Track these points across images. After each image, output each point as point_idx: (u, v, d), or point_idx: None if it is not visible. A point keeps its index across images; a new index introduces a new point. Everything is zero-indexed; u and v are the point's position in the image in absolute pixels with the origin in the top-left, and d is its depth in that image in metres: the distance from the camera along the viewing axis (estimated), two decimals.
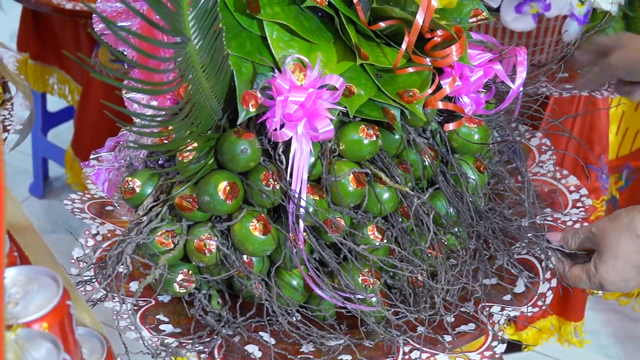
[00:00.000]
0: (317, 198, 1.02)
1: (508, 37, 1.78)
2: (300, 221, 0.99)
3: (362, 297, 1.03)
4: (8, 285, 0.66)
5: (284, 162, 1.01)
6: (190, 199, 1.02)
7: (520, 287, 1.11)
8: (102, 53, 2.40)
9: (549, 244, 1.12)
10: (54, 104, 2.87)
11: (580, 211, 1.23)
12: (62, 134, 2.93)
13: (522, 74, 1.15)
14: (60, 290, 0.66)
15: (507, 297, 1.10)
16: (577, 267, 1.09)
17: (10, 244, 0.72)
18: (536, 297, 1.09)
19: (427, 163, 1.09)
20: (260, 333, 1.06)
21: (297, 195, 0.99)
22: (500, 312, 1.07)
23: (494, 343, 1.04)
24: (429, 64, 1.07)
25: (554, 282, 1.11)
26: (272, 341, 1.05)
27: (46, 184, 2.92)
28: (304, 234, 1.01)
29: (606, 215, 1.10)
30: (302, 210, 0.99)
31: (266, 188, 1.01)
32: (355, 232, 1.04)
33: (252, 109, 1.00)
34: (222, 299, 1.09)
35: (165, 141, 1.02)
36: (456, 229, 1.11)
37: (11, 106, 1.51)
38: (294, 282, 1.06)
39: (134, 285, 1.13)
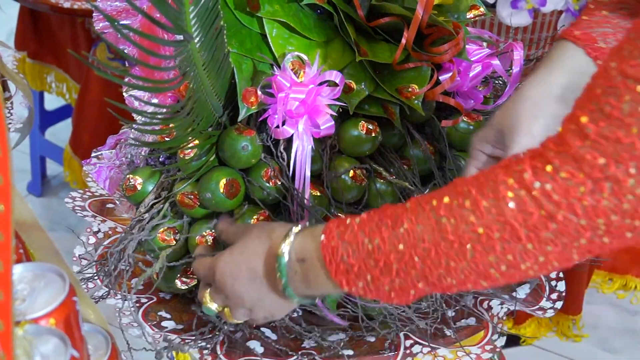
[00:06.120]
0: (318, 194, 1.03)
1: (504, 32, 1.78)
2: (305, 217, 1.00)
3: None
4: (15, 282, 0.67)
5: (285, 158, 1.02)
6: (192, 196, 1.03)
7: (521, 293, 1.11)
8: (99, 51, 2.40)
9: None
10: (51, 102, 2.87)
11: None
12: (60, 133, 2.93)
13: (518, 69, 1.15)
14: (67, 287, 0.67)
15: (506, 296, 1.11)
16: (209, 258, 0.94)
17: (16, 241, 0.72)
18: (538, 306, 1.09)
19: (426, 158, 1.10)
20: (262, 329, 1.06)
21: (299, 192, 1.00)
22: (500, 305, 1.08)
23: (494, 337, 1.05)
24: (428, 60, 1.08)
25: (558, 305, 1.10)
26: (274, 337, 1.05)
27: (44, 182, 2.92)
28: None
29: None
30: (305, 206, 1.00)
31: (267, 184, 1.02)
32: None
33: (252, 106, 1.01)
34: None
35: (167, 138, 1.03)
36: None
37: (11, 105, 1.52)
38: None
39: (135, 283, 1.13)
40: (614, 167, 0.67)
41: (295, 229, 0.85)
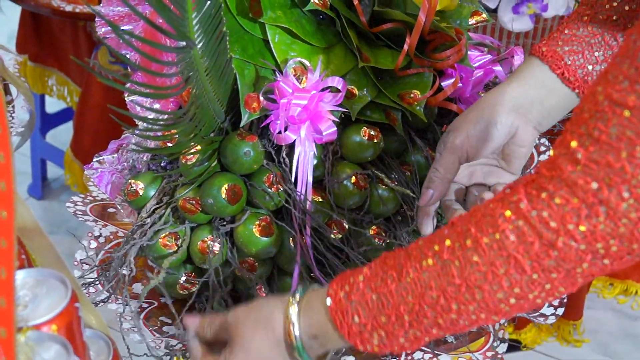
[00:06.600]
0: (320, 199, 1.03)
1: (505, 37, 1.78)
2: (307, 223, 1.00)
3: None
4: (17, 288, 0.67)
5: (288, 164, 1.02)
6: (194, 201, 1.03)
7: None
8: (101, 55, 2.40)
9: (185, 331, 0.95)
10: (52, 105, 2.87)
11: None
12: (61, 135, 2.93)
13: None
14: (69, 293, 0.67)
15: None
16: (211, 358, 0.90)
17: (18, 246, 0.72)
18: (539, 312, 1.09)
19: (428, 164, 1.10)
20: None
21: (301, 197, 1.00)
22: None
23: (496, 343, 1.05)
24: (430, 66, 1.08)
25: (560, 311, 1.10)
26: None
27: (45, 185, 2.92)
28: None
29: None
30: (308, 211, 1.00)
31: (269, 190, 1.02)
32: (357, 232, 1.05)
33: (254, 112, 1.01)
34: (225, 300, 1.09)
35: (169, 144, 1.03)
36: None
37: (12, 108, 1.52)
38: None
39: (137, 287, 1.13)
40: (606, 191, 0.67)
41: (293, 309, 0.83)
